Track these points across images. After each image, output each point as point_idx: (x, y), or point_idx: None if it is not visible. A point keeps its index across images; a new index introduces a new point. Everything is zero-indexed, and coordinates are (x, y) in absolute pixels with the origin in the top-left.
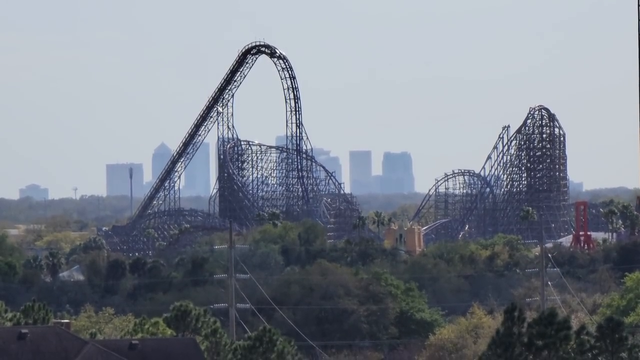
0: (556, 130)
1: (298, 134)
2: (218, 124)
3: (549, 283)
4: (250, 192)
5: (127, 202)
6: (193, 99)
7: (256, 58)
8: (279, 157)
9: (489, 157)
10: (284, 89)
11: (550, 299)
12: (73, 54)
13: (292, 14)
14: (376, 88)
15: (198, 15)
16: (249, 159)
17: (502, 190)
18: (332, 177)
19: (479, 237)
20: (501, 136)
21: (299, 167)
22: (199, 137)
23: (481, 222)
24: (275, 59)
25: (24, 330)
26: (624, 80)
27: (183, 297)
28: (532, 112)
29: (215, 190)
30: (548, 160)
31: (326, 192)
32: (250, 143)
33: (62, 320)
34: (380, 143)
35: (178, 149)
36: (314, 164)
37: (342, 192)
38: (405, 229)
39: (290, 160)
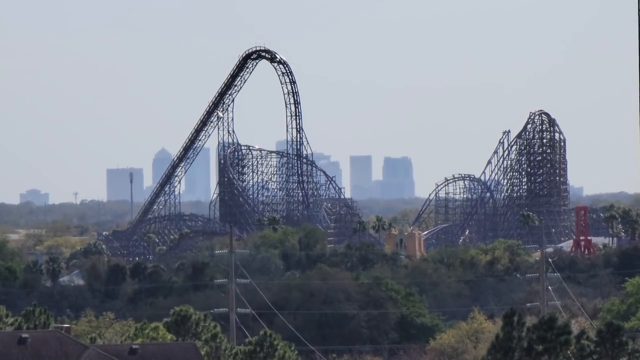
0: (556, 135)
1: (298, 139)
2: (218, 128)
3: (550, 288)
4: (251, 196)
5: (127, 207)
6: (193, 103)
7: (256, 63)
8: (279, 162)
9: (489, 162)
10: (284, 94)
11: (550, 304)
12: (74, 59)
13: (292, 19)
14: (376, 93)
15: (198, 20)
16: (250, 163)
17: (503, 195)
18: (332, 182)
19: (480, 242)
20: (501, 141)
21: (299, 171)
22: (200, 142)
23: (481, 227)
24: (276, 64)
25: (24, 335)
26: (624, 85)
27: (183, 302)
28: (532, 117)
29: (215, 195)
30: (548, 165)
31: (326, 197)
32: (251, 148)
33: (63, 325)
34: (381, 148)
35: (178, 153)
36: (314, 168)
37: (342, 197)
38: (406, 233)
39: (290, 165)
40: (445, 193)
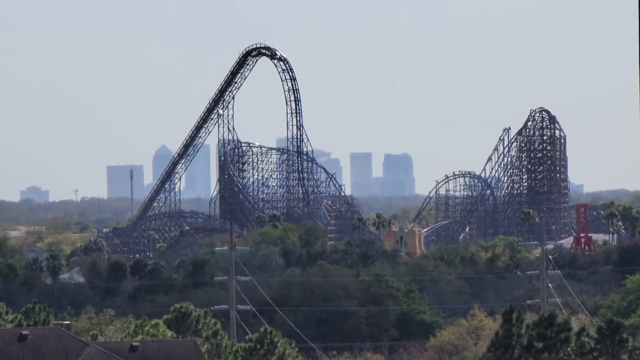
0: (557, 132)
1: (299, 136)
2: (219, 125)
3: (550, 285)
4: (251, 194)
5: (127, 204)
6: (194, 100)
7: (257, 60)
8: (279, 159)
9: (489, 159)
10: (284, 91)
11: (550, 301)
12: (74, 56)
13: (292, 15)
14: (377, 90)
15: (199, 17)
16: (250, 160)
17: (503, 192)
18: (332, 179)
19: (480, 238)
20: (502, 138)
21: (300, 168)
22: (200, 139)
23: (482, 223)
24: (276, 61)
25: (24, 332)
26: (624, 82)
27: (183, 299)
28: (532, 114)
29: (215, 192)
30: (549, 162)
31: (327, 194)
32: (251, 145)
33: (63, 322)
34: (381, 145)
35: (179, 150)
36: (314, 165)
37: (342, 194)
38: (406, 230)
39: (290, 162)
40: (446, 190)
